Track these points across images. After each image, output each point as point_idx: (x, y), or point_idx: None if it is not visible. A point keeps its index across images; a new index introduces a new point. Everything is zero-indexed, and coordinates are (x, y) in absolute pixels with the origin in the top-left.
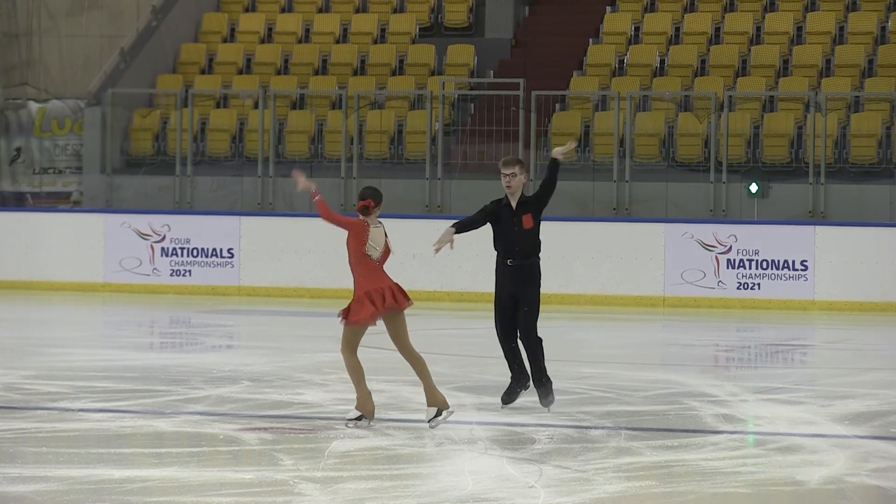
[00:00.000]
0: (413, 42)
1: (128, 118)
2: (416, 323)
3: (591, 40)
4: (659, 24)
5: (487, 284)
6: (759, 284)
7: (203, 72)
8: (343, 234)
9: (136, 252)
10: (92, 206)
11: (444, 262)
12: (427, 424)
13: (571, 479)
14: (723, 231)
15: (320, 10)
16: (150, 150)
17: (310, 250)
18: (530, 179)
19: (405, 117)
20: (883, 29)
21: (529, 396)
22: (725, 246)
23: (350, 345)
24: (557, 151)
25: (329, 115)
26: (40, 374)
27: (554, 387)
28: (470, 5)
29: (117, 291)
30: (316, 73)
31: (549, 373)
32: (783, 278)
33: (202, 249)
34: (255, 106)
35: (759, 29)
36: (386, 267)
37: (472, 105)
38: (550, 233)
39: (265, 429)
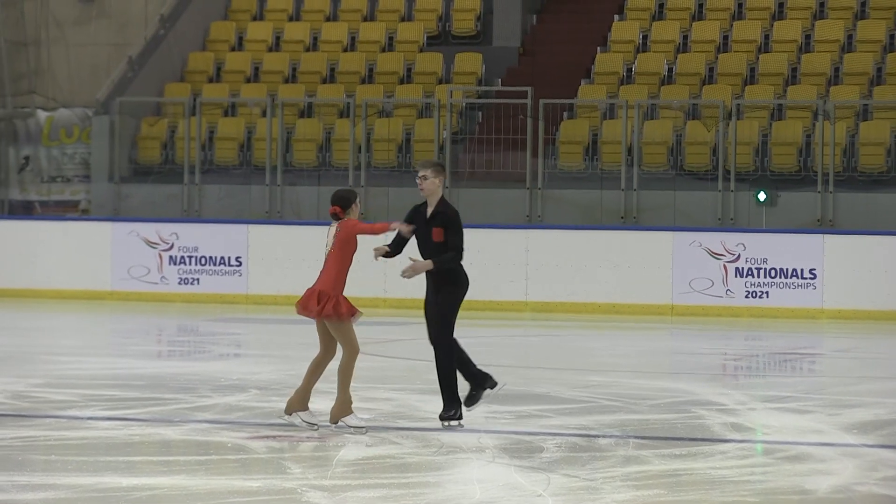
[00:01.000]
0: (421, 50)
1: (136, 127)
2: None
3: (598, 48)
4: (667, 32)
5: (492, 292)
6: (767, 293)
7: (211, 80)
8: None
9: (144, 260)
10: (100, 214)
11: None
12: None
13: (580, 488)
14: (731, 239)
15: (328, 19)
16: (158, 159)
17: (317, 259)
18: (539, 188)
19: (413, 125)
20: (892, 37)
21: (536, 404)
22: (734, 254)
23: (349, 338)
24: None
25: (337, 124)
26: (48, 383)
27: (483, 395)
28: (478, 14)
29: (125, 300)
30: (324, 81)
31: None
32: (791, 287)
33: (210, 258)
34: (263, 114)
35: (766, 37)
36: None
37: (480, 113)
38: (559, 241)
39: (273, 437)
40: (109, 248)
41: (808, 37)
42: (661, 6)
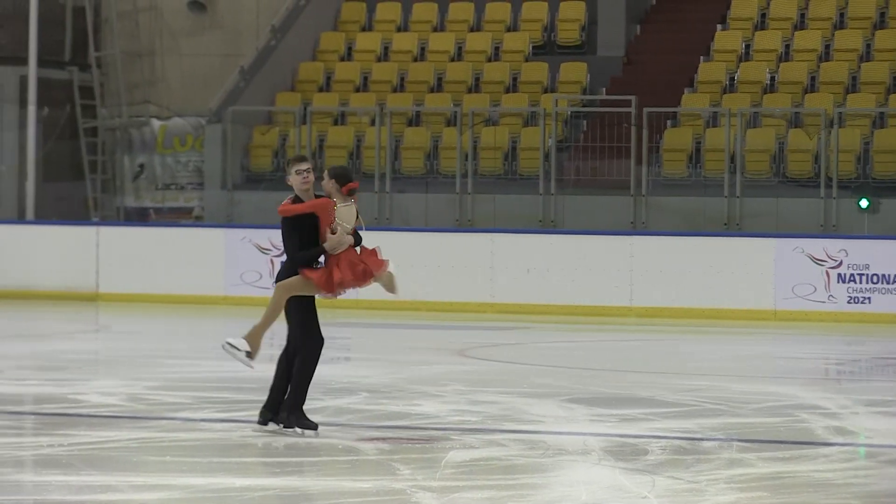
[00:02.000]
0: (526, 60)
1: (248, 135)
2: (529, 336)
3: (701, 58)
4: (769, 41)
5: (596, 298)
6: (869, 298)
7: (321, 90)
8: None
9: (256, 266)
10: (213, 221)
11: (556, 276)
12: None
13: (684, 490)
14: (833, 246)
15: (435, 29)
16: (270, 167)
17: (425, 264)
18: (642, 195)
19: (519, 134)
20: None
21: (640, 408)
22: (836, 261)
23: (293, 289)
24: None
25: (444, 132)
26: (163, 385)
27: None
28: (582, 24)
29: (237, 305)
30: (431, 90)
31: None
32: (894, 292)
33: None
34: (372, 123)
35: (868, 46)
36: (499, 278)
37: (585, 122)
38: (663, 247)
39: (382, 439)
40: (222, 254)
41: None
42: (762, 16)
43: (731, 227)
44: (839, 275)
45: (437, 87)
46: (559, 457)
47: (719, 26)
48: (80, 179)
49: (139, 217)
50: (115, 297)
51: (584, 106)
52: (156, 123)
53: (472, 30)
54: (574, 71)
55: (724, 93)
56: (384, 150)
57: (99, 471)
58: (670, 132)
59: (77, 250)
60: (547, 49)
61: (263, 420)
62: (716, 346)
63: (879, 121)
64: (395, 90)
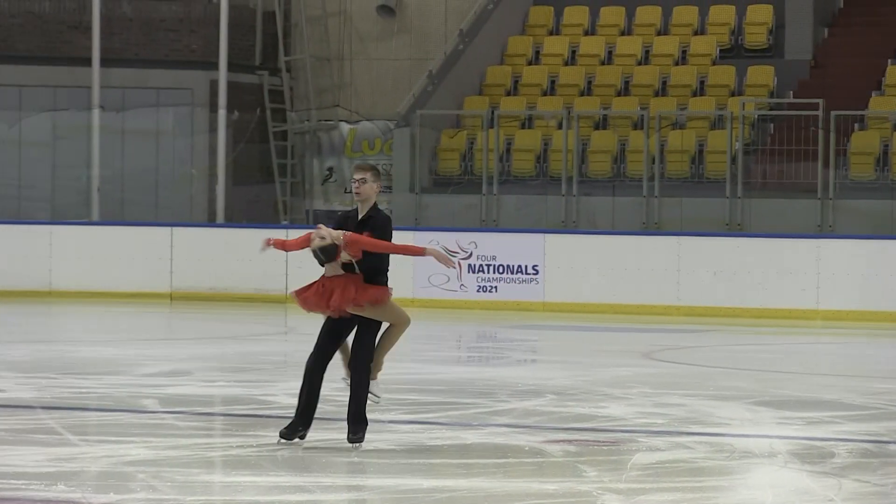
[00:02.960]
0: (713, 63)
1: (435, 138)
2: (715, 339)
3: (889, 61)
4: None
5: (783, 300)
6: None
7: (508, 93)
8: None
9: (444, 269)
10: (401, 223)
11: (743, 278)
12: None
13: (870, 493)
14: None
15: (623, 33)
16: (458, 170)
17: (611, 267)
18: (830, 198)
19: (706, 137)
20: None
21: (826, 411)
22: None
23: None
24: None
25: (631, 135)
26: None
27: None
28: (770, 27)
29: (426, 307)
30: (618, 94)
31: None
32: None
33: (508, 266)
34: (559, 126)
35: None
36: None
37: (772, 125)
38: (851, 250)
39: (569, 441)
40: (411, 257)
41: None
42: None
43: None
44: None
45: (625, 90)
46: (745, 459)
47: None
48: (269, 182)
49: (328, 220)
50: None
51: (771, 109)
52: (345, 127)
53: (659, 33)
54: (761, 74)
55: None
56: (571, 154)
57: (288, 471)
58: (857, 135)
59: (267, 253)
60: (734, 52)
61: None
62: None
63: None
64: (582, 94)
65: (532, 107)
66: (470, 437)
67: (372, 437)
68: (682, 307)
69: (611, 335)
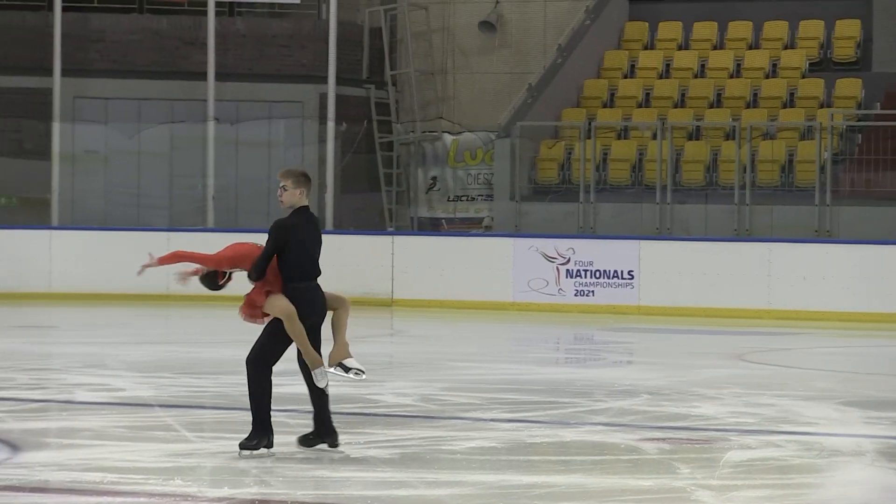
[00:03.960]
0: (803, 76)
1: (534, 149)
2: (805, 342)
3: None
4: None
5: (871, 305)
6: None
7: (605, 105)
8: None
9: (542, 273)
10: (501, 230)
11: (831, 283)
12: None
13: None
14: None
15: (715, 47)
16: (556, 179)
17: (704, 272)
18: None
19: (795, 147)
20: None
21: None
22: None
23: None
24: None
25: (723, 146)
26: (453, 387)
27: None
28: (858, 41)
29: (525, 310)
30: (711, 105)
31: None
32: None
33: (604, 271)
34: (654, 137)
35: None
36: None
37: (860, 135)
38: None
39: (664, 440)
40: (511, 262)
41: None
42: None
43: None
44: None
45: (717, 102)
46: (834, 458)
47: None
48: (375, 191)
49: (432, 227)
50: (408, 302)
51: (858, 120)
52: (448, 138)
53: (750, 47)
54: (849, 86)
55: None
56: (665, 163)
57: (394, 467)
58: None
59: (373, 259)
60: (823, 65)
61: (306, 445)
62: None
63: None
64: (675, 105)
65: (627, 118)
66: (568, 434)
67: (474, 435)
68: (773, 311)
69: (704, 338)
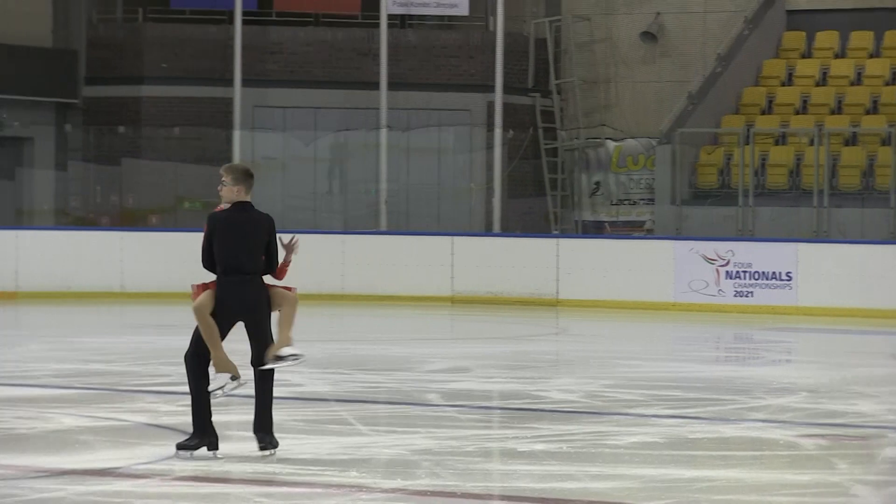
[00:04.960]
0: None
1: (695, 155)
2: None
3: None
4: None
5: None
6: None
7: (763, 112)
8: None
9: (702, 275)
10: (663, 233)
11: None
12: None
13: None
14: None
15: (871, 56)
16: (715, 183)
17: (861, 274)
18: None
19: None
20: None
21: None
22: None
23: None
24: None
25: (879, 151)
26: (617, 384)
27: None
28: None
29: (685, 311)
30: (867, 112)
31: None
32: None
33: (763, 273)
34: (811, 143)
35: None
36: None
37: None
38: None
39: (821, 436)
40: (672, 264)
41: None
42: None
43: None
44: None
45: (873, 109)
46: None
47: None
48: (541, 196)
49: (595, 230)
50: (573, 302)
51: None
52: (611, 144)
53: None
54: None
55: None
56: (822, 169)
57: (559, 461)
58: None
59: (539, 260)
60: None
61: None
62: None
63: None
64: (832, 112)
65: (785, 125)
66: (728, 430)
67: (636, 430)
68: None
69: (862, 337)
